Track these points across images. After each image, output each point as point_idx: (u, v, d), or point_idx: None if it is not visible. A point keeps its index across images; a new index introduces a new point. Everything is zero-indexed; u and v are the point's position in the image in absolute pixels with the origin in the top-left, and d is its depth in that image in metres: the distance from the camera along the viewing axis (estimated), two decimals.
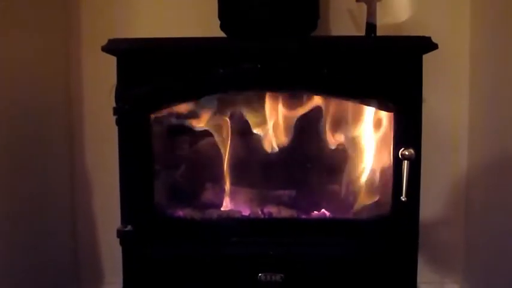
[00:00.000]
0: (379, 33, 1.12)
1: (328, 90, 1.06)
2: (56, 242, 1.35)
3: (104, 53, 1.03)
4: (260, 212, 1.13)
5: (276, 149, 1.14)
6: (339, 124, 1.13)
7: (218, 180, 1.17)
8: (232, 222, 1.10)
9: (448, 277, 1.42)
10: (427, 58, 1.03)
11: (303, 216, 1.12)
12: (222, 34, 1.12)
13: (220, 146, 1.16)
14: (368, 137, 1.12)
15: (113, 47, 1.02)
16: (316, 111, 1.12)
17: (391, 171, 1.04)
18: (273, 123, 1.13)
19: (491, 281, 1.25)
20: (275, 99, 1.11)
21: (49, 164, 1.32)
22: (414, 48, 1.01)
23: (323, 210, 1.13)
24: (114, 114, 1.02)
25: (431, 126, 1.22)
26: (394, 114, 1.03)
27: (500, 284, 1.21)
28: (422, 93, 1.03)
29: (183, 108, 1.11)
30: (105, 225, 1.41)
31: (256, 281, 1.03)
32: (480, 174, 1.32)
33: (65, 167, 1.40)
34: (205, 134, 1.17)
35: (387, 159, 1.06)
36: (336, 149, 1.14)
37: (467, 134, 1.37)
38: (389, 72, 1.02)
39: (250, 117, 1.13)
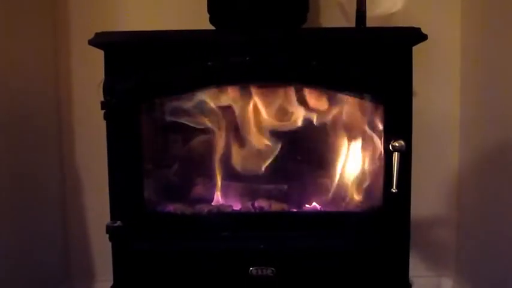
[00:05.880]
0: (369, 25, 1.12)
1: (318, 83, 1.05)
2: (47, 240, 1.34)
3: (93, 47, 1.02)
4: (251, 206, 1.12)
5: (267, 143, 1.14)
6: (330, 117, 1.13)
7: (209, 175, 1.16)
8: (223, 216, 1.09)
9: (441, 270, 1.42)
10: (418, 51, 1.03)
11: (294, 210, 1.11)
12: (212, 28, 1.12)
13: (211, 141, 1.15)
14: (358, 129, 1.12)
15: (100, 40, 1.01)
16: (306, 105, 1.12)
17: (382, 163, 1.03)
18: (262, 116, 1.12)
19: (483, 273, 1.25)
20: (264, 92, 1.10)
21: (38, 160, 1.31)
22: (403, 39, 1.01)
23: (314, 203, 1.12)
24: (102, 108, 1.01)
25: (422, 120, 1.22)
26: (384, 106, 1.02)
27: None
28: (413, 86, 1.02)
29: (172, 101, 1.10)
30: (96, 222, 1.39)
31: (247, 275, 1.03)
32: (472, 168, 1.32)
33: (54, 163, 1.38)
34: (196, 128, 1.16)
35: (378, 152, 1.06)
36: (327, 142, 1.14)
37: (459, 127, 1.37)
38: (379, 63, 1.01)
39: (241, 111, 1.12)
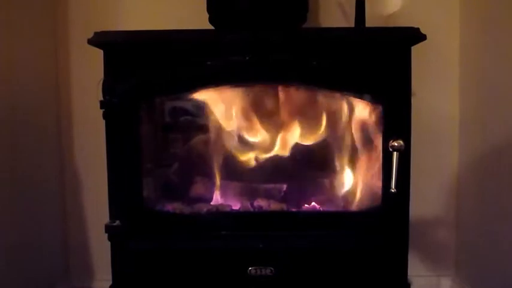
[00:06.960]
0: (368, 25, 1.12)
1: (318, 82, 1.05)
2: (46, 239, 1.34)
3: (93, 47, 1.02)
4: (250, 206, 1.12)
5: (266, 142, 1.14)
6: (328, 116, 1.13)
7: (208, 174, 1.16)
8: (222, 216, 1.09)
9: (440, 270, 1.42)
10: (417, 50, 1.03)
11: (293, 210, 1.11)
12: (212, 28, 1.11)
13: (210, 140, 1.16)
14: (357, 129, 1.12)
15: (99, 39, 1.01)
16: (306, 104, 1.12)
17: (381, 163, 1.03)
18: (262, 117, 1.12)
19: (482, 273, 1.25)
20: (263, 92, 1.10)
21: (38, 160, 1.31)
22: (403, 39, 1.01)
23: (313, 203, 1.12)
24: (101, 107, 1.01)
25: (421, 120, 1.22)
26: (383, 106, 1.02)
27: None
28: (412, 86, 1.02)
29: (171, 101, 1.11)
30: (95, 221, 1.39)
31: (246, 275, 1.03)
32: (471, 168, 1.32)
33: (54, 163, 1.38)
34: (195, 128, 1.16)
35: (377, 151, 1.06)
36: (325, 142, 1.14)
37: (458, 127, 1.37)
38: (378, 63, 1.01)
39: (240, 111, 1.13)
